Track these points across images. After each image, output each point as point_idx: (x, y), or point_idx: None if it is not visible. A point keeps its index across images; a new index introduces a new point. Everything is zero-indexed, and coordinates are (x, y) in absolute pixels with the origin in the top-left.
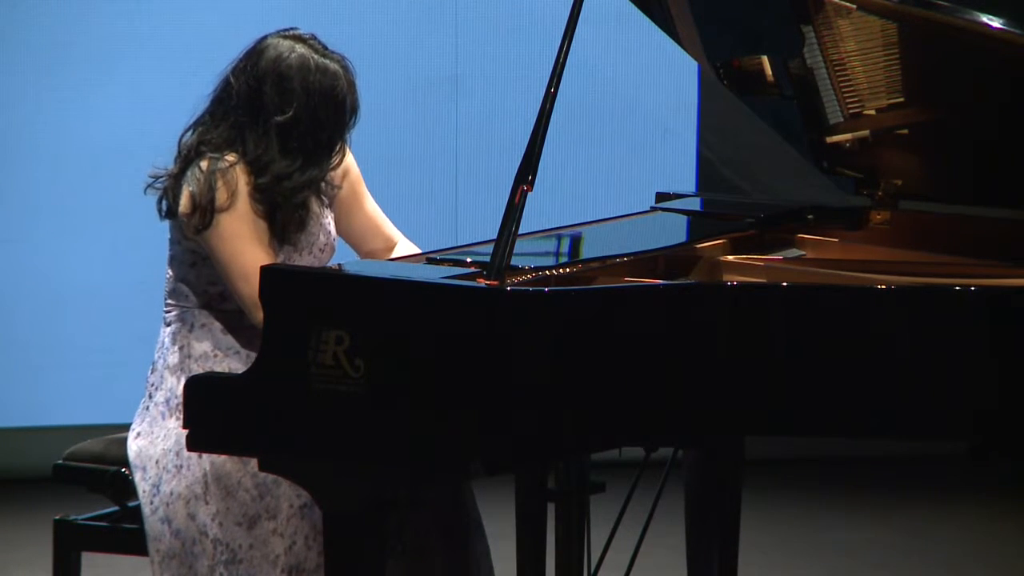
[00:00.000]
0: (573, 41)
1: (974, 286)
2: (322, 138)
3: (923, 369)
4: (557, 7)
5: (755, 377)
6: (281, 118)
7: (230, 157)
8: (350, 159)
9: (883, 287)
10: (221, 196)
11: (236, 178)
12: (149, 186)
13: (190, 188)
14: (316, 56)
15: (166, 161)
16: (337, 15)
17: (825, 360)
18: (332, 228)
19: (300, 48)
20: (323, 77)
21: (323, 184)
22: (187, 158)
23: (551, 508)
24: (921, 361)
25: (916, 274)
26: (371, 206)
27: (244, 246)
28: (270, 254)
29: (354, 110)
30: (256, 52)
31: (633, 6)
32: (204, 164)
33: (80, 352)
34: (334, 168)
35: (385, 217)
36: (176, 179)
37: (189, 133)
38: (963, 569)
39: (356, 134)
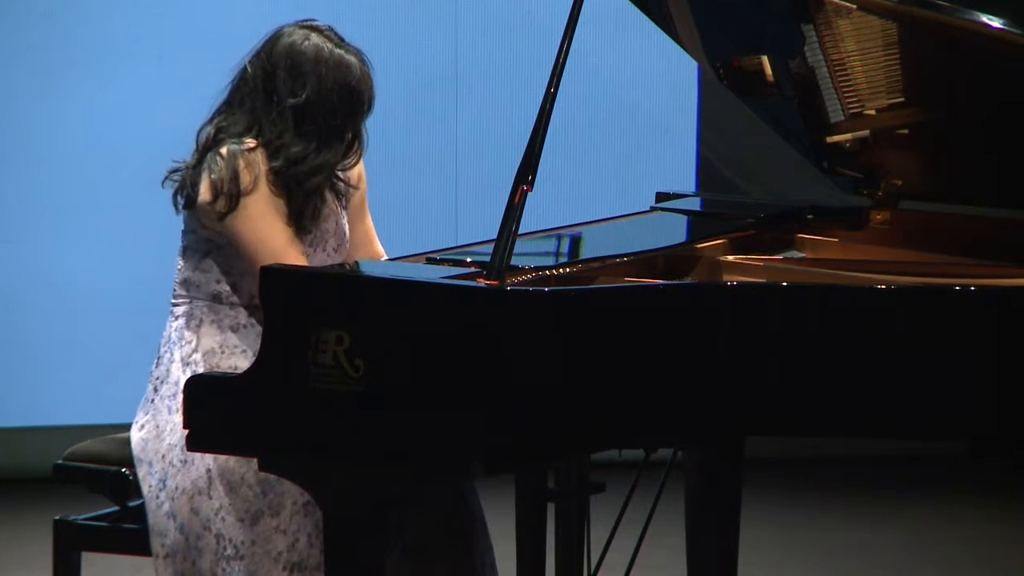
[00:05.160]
0: (573, 41)
1: (974, 286)
2: (335, 124)
3: (923, 369)
4: (557, 7)
5: (755, 377)
6: (294, 100)
7: (250, 142)
8: (362, 169)
9: (883, 287)
10: (245, 179)
11: (257, 161)
12: (166, 179)
13: (211, 176)
14: (331, 45)
15: (182, 155)
16: (336, 15)
17: (825, 360)
18: (347, 230)
19: (315, 37)
20: (336, 65)
21: (341, 184)
22: (205, 147)
23: (551, 508)
24: (921, 361)
25: (916, 274)
26: (369, 221)
27: (271, 229)
28: (295, 239)
29: (369, 102)
30: (272, 40)
31: (633, 6)
32: (224, 150)
33: (80, 352)
34: (351, 166)
35: (375, 233)
36: (194, 169)
37: (207, 126)
38: (963, 569)
39: None
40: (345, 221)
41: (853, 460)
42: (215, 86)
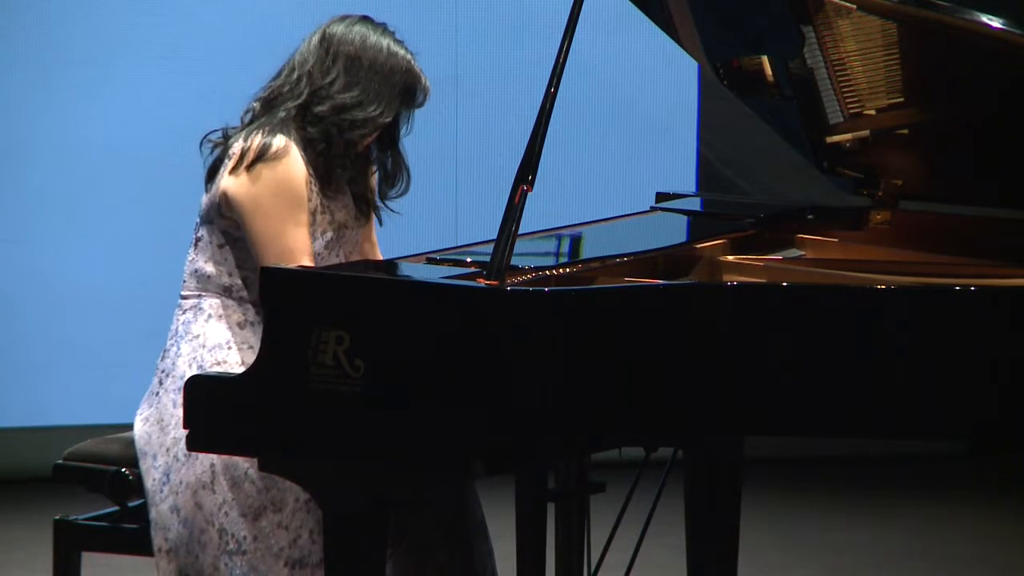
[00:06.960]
0: (573, 41)
1: (974, 286)
2: (393, 81)
3: (923, 369)
4: (557, 7)
5: (755, 377)
6: (349, 48)
7: (280, 139)
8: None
9: (883, 287)
10: (273, 148)
11: (290, 150)
12: (205, 138)
13: (243, 143)
14: (388, 38)
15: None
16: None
17: (825, 360)
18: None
19: (374, 28)
20: (394, 42)
21: (364, 204)
22: (254, 116)
23: (551, 508)
24: (921, 361)
25: (916, 274)
26: (374, 240)
27: (282, 222)
28: (306, 237)
29: (423, 94)
30: (325, 24)
31: (633, 6)
32: (260, 137)
33: (80, 352)
34: (399, 194)
35: (379, 252)
36: (234, 135)
37: (253, 103)
38: (963, 569)
39: None
40: (358, 240)
41: (853, 460)
42: (215, 86)
